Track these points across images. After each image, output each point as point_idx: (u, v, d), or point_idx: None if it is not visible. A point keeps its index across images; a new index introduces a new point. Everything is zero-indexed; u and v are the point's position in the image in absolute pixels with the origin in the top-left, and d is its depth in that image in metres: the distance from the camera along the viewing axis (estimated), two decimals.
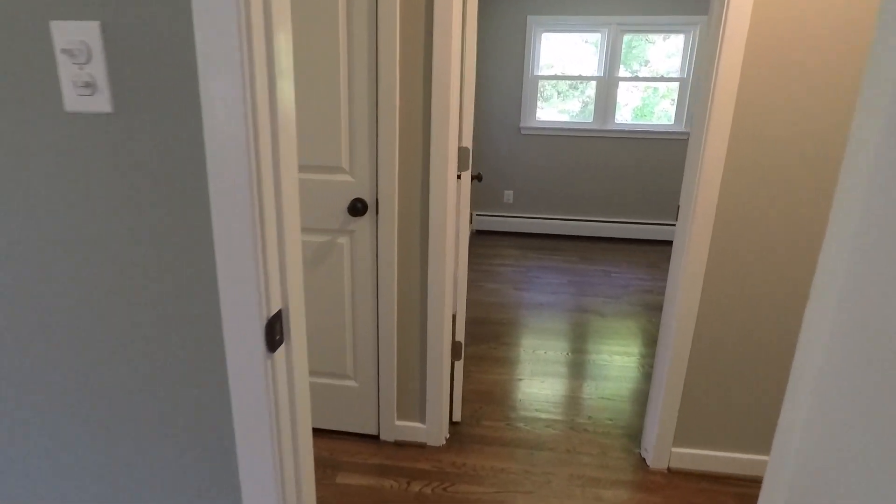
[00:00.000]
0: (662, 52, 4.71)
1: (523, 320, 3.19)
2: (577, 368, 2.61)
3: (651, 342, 2.92)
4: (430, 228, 1.74)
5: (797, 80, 1.50)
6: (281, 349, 0.77)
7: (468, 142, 1.79)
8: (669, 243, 4.91)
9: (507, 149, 5.01)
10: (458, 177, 1.82)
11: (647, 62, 4.79)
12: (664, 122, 4.86)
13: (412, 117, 1.67)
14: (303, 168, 1.76)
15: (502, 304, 3.45)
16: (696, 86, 4.59)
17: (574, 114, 5.00)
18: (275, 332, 0.74)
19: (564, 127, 4.89)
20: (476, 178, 2.42)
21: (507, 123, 4.96)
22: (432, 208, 1.72)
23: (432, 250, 1.77)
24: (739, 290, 1.69)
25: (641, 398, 2.36)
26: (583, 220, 5.05)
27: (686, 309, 1.72)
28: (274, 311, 0.74)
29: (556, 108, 5.00)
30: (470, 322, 3.14)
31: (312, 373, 2.00)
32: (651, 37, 4.71)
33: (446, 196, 1.71)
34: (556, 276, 4.01)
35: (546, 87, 5.00)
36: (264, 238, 0.70)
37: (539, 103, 5.01)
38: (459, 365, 2.08)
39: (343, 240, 1.82)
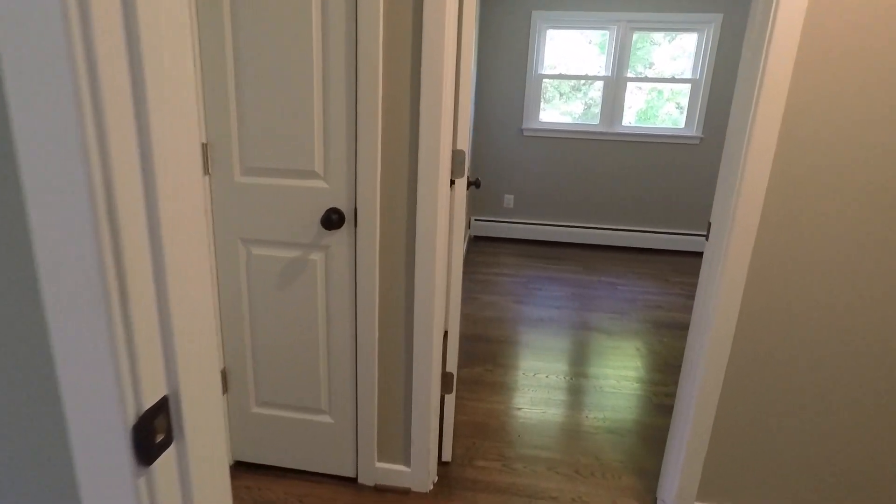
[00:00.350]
0: (667, 54, 4.46)
1: (522, 338, 2.94)
2: (582, 396, 2.35)
3: (663, 366, 2.66)
4: (417, 245, 1.49)
5: (862, 80, 1.24)
6: (167, 454, 0.51)
7: (464, 144, 1.54)
8: (677, 254, 4.66)
9: (507, 151, 4.76)
10: (452, 184, 1.56)
11: (651, 64, 4.54)
12: (668, 125, 4.60)
13: (398, 114, 1.41)
14: (269, 172, 1.50)
15: (500, 318, 3.20)
16: (713, 87, 4.34)
17: (576, 116, 4.75)
18: (153, 434, 0.48)
19: (569, 129, 4.64)
20: (473, 184, 2.16)
21: (509, 124, 4.70)
22: (420, 221, 1.47)
23: (420, 270, 1.51)
24: (785, 320, 1.44)
25: (655, 434, 2.11)
26: (586, 227, 4.80)
27: (718, 337, 1.46)
28: (151, 404, 0.48)
29: (557, 110, 4.75)
30: (464, 339, 2.88)
31: (281, 406, 1.74)
32: (656, 38, 4.45)
33: (437, 206, 1.45)
34: (558, 288, 3.76)
35: (548, 88, 4.74)
36: (124, 287, 0.44)
37: (542, 104, 4.75)
38: (451, 398, 1.82)
39: (316, 256, 1.56)
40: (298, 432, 1.76)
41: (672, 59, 4.49)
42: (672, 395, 2.38)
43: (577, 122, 4.74)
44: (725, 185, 1.40)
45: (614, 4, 4.32)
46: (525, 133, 4.69)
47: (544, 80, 4.67)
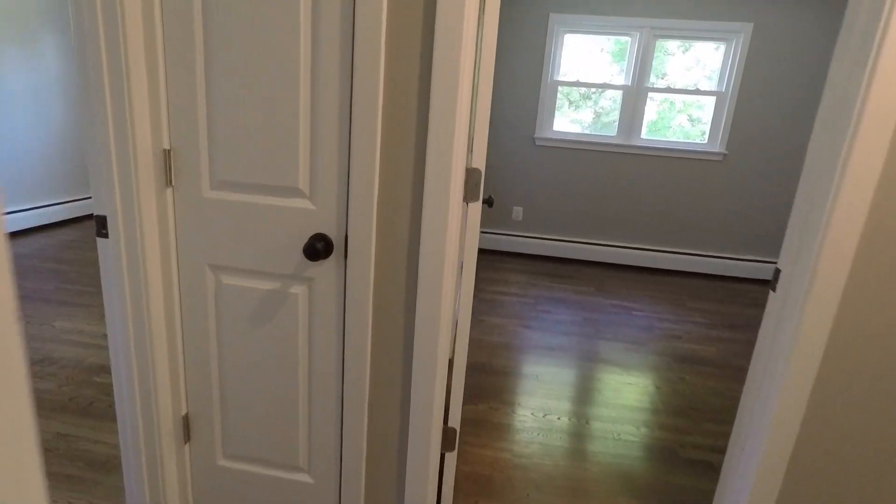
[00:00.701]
0: (681, 65, 4.20)
1: (531, 370, 2.67)
2: (599, 445, 2.09)
3: (687, 409, 2.39)
4: (420, 282, 1.23)
5: None
6: None
7: (481, 161, 1.28)
8: (694, 276, 4.39)
9: (518, 161, 4.50)
10: (465, 205, 1.30)
11: (664, 74, 4.29)
12: (683, 138, 4.34)
13: (401, 124, 1.15)
14: (244, 187, 1.25)
15: (506, 345, 2.93)
16: (739, 102, 4.08)
17: (585, 125, 4.49)
18: None
19: (584, 140, 4.38)
20: (486, 202, 1.90)
21: (520, 133, 4.45)
22: (425, 253, 1.20)
23: (422, 312, 1.25)
24: (872, 398, 1.17)
25: (687, 498, 1.84)
26: (599, 244, 4.54)
27: (784, 420, 1.20)
28: None
29: (566, 118, 4.49)
30: (468, 369, 2.62)
31: (252, 460, 1.48)
32: (670, 47, 4.19)
33: (445, 237, 1.19)
34: (568, 311, 3.49)
35: (557, 96, 4.49)
36: None
37: (557, 113, 4.50)
38: (452, 457, 1.56)
39: (298, 289, 1.30)
40: (272, 492, 1.49)
41: (686, 69, 4.23)
42: (701, 447, 2.11)
43: (592, 132, 4.48)
44: (804, 225, 1.14)
45: (638, 10, 4.06)
46: (537, 142, 4.43)
47: (560, 87, 4.42)
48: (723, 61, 4.12)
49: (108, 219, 1.26)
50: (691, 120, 4.40)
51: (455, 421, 1.52)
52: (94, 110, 1.18)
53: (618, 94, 4.36)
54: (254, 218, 1.26)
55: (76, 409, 2.10)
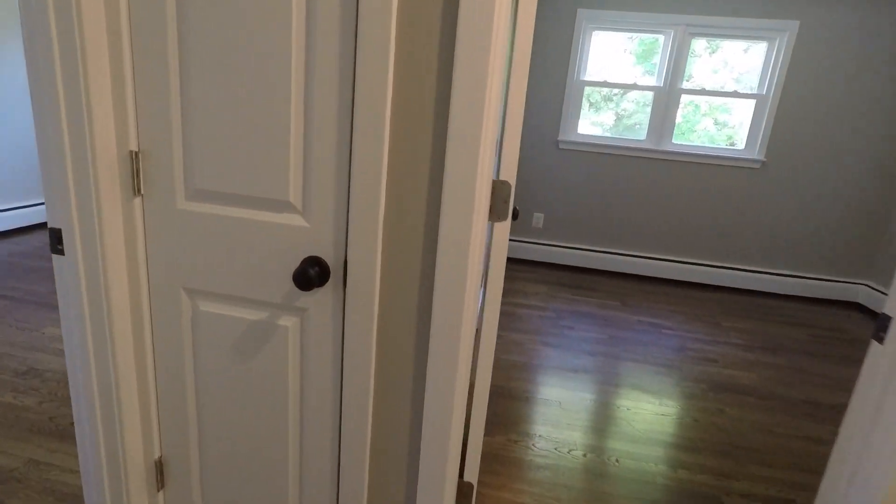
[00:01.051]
0: (707, 67, 3.92)
1: (553, 394, 2.43)
2: (632, 488, 1.84)
3: (730, 449, 2.14)
4: (434, 317, 1.00)
5: None
6: None
7: (511, 173, 1.05)
8: (727, 290, 4.10)
9: (540, 164, 4.26)
10: (490, 224, 1.08)
11: (689, 77, 4.01)
12: (709, 142, 4.06)
13: (414, 124, 0.93)
14: (224, 198, 1.03)
15: (525, 365, 2.70)
16: (782, 105, 3.79)
17: (607, 127, 4.23)
18: None
19: (610, 143, 4.12)
20: (511, 215, 1.67)
21: (543, 135, 4.20)
22: (441, 282, 0.98)
23: (436, 352, 1.03)
24: None
25: None
26: (624, 254, 4.27)
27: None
28: None
29: (586, 120, 4.24)
30: None
31: None
32: (696, 48, 3.91)
33: (467, 261, 0.97)
34: (593, 328, 3.25)
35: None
36: None
37: (582, 114, 4.25)
38: None
39: (288, 321, 1.09)
40: None
41: (713, 72, 3.95)
42: (750, 496, 1.86)
43: (614, 136, 4.21)
44: None
45: (672, 6, 3.80)
46: (561, 145, 4.18)
47: (586, 87, 4.16)
48: (764, 61, 3.83)
49: (62, 232, 1.06)
50: (717, 124, 4.12)
51: (472, 474, 1.30)
52: (43, 101, 0.98)
53: (641, 96, 4.10)
54: (236, 235, 1.05)
55: (54, 430, 1.92)
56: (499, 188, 1.04)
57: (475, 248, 0.98)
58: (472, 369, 1.21)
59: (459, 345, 1.00)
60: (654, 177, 4.10)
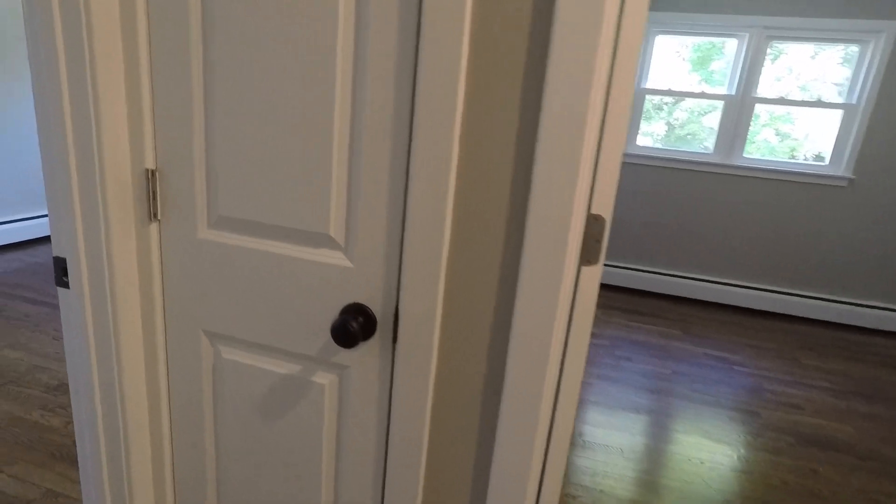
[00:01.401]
0: (770, 75, 3.55)
1: (613, 439, 2.16)
2: None
3: None
4: (506, 386, 0.79)
5: None
6: None
7: (607, 204, 0.82)
8: (804, 322, 3.70)
9: None
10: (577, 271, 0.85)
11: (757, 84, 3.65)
12: (769, 155, 3.68)
13: (489, 143, 0.72)
14: (253, 227, 0.85)
15: (581, 402, 2.43)
16: (873, 117, 3.39)
17: (658, 138, 3.92)
18: None
19: (674, 157, 3.81)
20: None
21: None
22: (518, 342, 0.76)
23: (507, 427, 0.81)
24: None
25: None
26: (688, 277, 3.93)
27: None
28: None
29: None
30: None
31: None
32: (772, 50, 3.54)
33: (554, 316, 0.75)
34: (653, 359, 2.94)
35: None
36: None
37: (642, 124, 3.95)
38: None
39: (325, 378, 0.89)
40: None
41: (776, 80, 3.58)
42: None
43: (665, 146, 3.90)
44: None
45: (746, 7, 3.47)
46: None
47: (647, 95, 3.87)
48: (855, 67, 3.44)
49: (67, 262, 0.90)
50: (780, 135, 3.75)
51: None
52: (46, 107, 0.82)
53: (695, 105, 3.78)
54: (265, 272, 0.86)
55: (77, 458, 1.80)
56: (592, 224, 0.81)
57: (563, 301, 0.76)
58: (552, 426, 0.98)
59: (538, 414, 0.78)
60: (723, 193, 3.76)
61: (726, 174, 3.73)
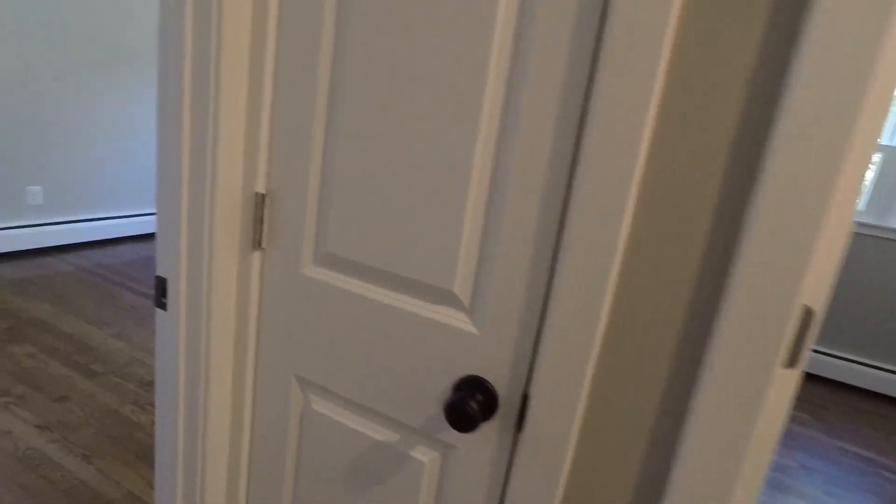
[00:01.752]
0: None
1: None
2: None
3: None
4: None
5: None
6: None
7: (820, 294, 0.61)
8: None
9: None
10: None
11: None
12: None
13: (675, 214, 0.54)
14: (365, 272, 0.74)
15: None
16: None
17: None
18: None
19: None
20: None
21: None
22: (694, 456, 0.57)
23: None
24: None
25: None
26: (822, 353, 3.41)
27: None
28: None
29: None
30: None
31: None
32: None
33: (746, 438, 0.55)
34: (782, 451, 2.52)
35: None
36: None
37: None
38: None
39: (426, 455, 0.74)
40: None
41: None
42: None
43: None
44: None
45: None
46: None
47: None
48: None
49: (167, 283, 0.84)
50: None
51: None
52: (168, 122, 0.77)
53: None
54: (372, 322, 0.74)
55: None
56: (801, 319, 0.61)
57: (759, 420, 0.56)
58: None
59: None
60: (873, 259, 3.23)
61: (879, 237, 3.21)
